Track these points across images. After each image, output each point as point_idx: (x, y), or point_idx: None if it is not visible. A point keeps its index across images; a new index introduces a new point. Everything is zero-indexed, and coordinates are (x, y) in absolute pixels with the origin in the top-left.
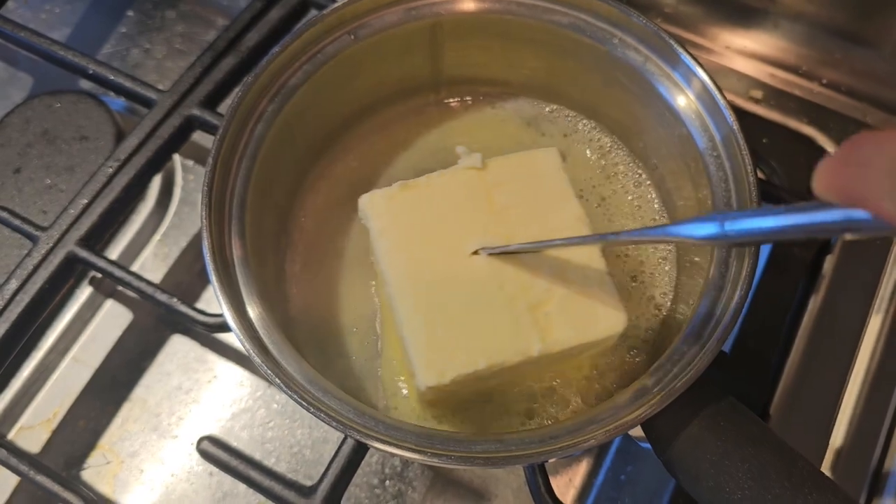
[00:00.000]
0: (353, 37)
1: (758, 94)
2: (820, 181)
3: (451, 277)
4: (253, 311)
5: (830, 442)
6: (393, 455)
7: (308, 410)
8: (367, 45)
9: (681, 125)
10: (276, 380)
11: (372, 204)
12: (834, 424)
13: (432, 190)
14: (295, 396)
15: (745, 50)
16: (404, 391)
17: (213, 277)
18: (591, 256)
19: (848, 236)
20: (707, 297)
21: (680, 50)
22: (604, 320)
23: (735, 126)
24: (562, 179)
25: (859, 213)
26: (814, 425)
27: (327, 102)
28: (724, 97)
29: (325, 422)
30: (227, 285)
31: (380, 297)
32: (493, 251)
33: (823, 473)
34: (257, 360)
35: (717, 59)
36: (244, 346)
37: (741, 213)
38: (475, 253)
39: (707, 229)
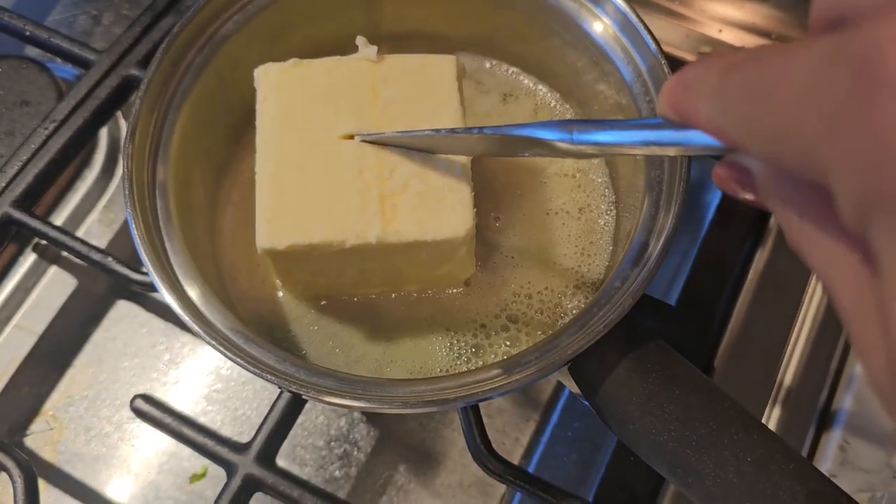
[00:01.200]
0: None
1: (707, 50)
2: (660, 101)
3: (315, 156)
4: (179, 266)
5: (775, 394)
6: (312, 399)
7: (228, 358)
8: None
9: (612, 66)
10: (198, 329)
11: (265, 74)
12: (777, 378)
13: (323, 72)
14: (217, 345)
15: (694, 6)
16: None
17: (134, 232)
18: (454, 161)
19: (678, 153)
20: (637, 241)
21: None
22: (447, 223)
23: (658, 54)
24: (451, 87)
25: (691, 133)
26: (758, 378)
27: (261, 55)
28: (647, 27)
29: (244, 368)
30: (150, 241)
31: None
32: (366, 137)
33: (750, 414)
34: (178, 310)
35: (664, 17)
36: (167, 300)
37: (593, 122)
38: (348, 137)
39: (557, 134)
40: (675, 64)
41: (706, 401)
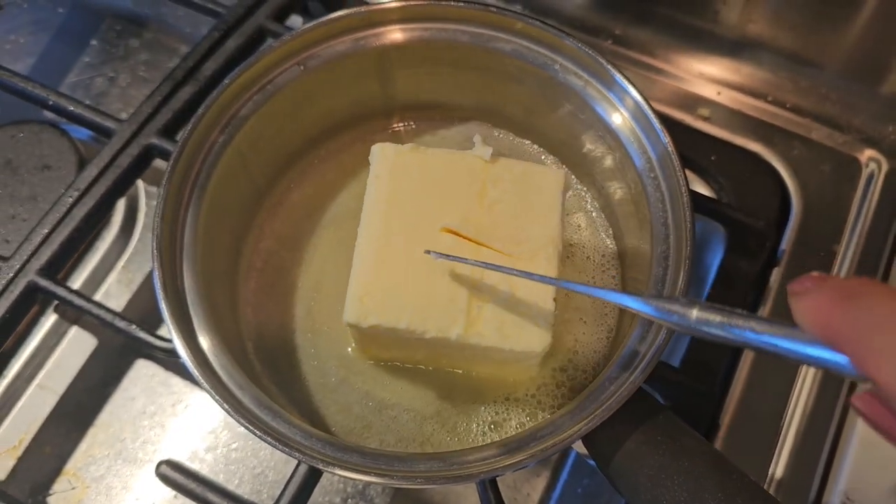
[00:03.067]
0: (302, 67)
1: (706, 112)
2: (803, 315)
3: (415, 241)
4: (204, 338)
5: (779, 448)
6: (336, 475)
7: (255, 434)
8: (316, 75)
9: (620, 146)
10: (225, 405)
11: (381, 152)
12: (781, 432)
13: (437, 162)
14: (242, 421)
15: (693, 70)
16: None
17: (163, 306)
18: (545, 273)
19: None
20: (641, 322)
21: (613, 71)
22: (527, 336)
23: (669, 144)
24: (556, 200)
25: (840, 359)
26: (763, 434)
27: (279, 131)
28: (658, 115)
29: (271, 445)
30: (178, 313)
31: None
32: (442, 257)
33: (757, 484)
34: (206, 385)
35: (665, 80)
36: (193, 373)
37: (717, 310)
38: (448, 231)
39: (675, 318)
40: (674, 126)
41: (713, 471)
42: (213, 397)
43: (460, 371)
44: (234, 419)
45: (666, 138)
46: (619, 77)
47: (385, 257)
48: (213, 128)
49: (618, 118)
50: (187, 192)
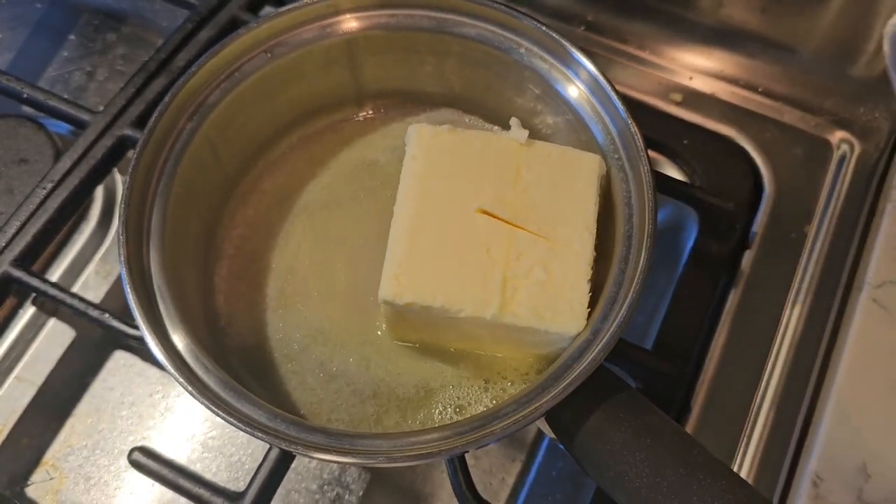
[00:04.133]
0: (269, 55)
1: (678, 97)
2: None
3: (450, 223)
4: (171, 324)
5: (749, 430)
6: (299, 454)
7: (218, 415)
8: (284, 63)
9: (584, 126)
10: (189, 387)
11: (418, 133)
12: (753, 413)
13: (474, 143)
14: (206, 402)
15: (666, 56)
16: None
17: (127, 290)
18: (580, 258)
19: None
20: (605, 301)
21: (571, 48)
22: (562, 318)
23: (628, 118)
24: (591, 186)
25: None
26: (735, 417)
27: (249, 119)
28: (616, 90)
29: (234, 426)
30: (144, 298)
31: None
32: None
33: (719, 460)
34: (170, 369)
35: (638, 66)
36: (159, 358)
37: None
38: (483, 212)
39: None
40: (646, 111)
41: (676, 448)
42: (178, 380)
43: (482, 353)
44: (199, 401)
45: (626, 114)
46: (575, 53)
47: (420, 237)
48: (180, 115)
49: (576, 93)
50: (154, 179)
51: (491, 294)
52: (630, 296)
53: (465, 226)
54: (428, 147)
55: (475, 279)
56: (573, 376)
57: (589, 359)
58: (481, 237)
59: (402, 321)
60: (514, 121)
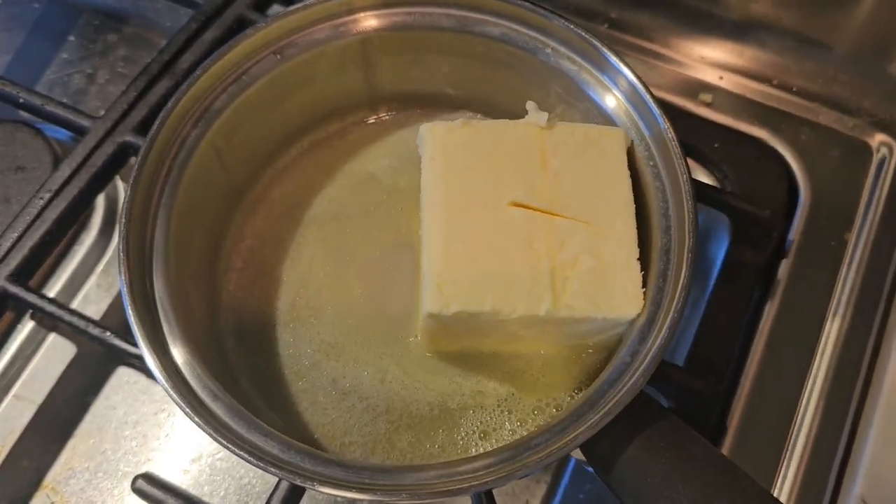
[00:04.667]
0: (279, 56)
1: (707, 98)
2: None
3: (484, 219)
4: (175, 345)
5: (789, 451)
6: (315, 491)
7: (226, 448)
8: (294, 65)
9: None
10: (196, 418)
11: (432, 132)
12: (793, 434)
13: (492, 134)
14: (213, 434)
15: (694, 54)
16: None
17: (129, 312)
18: (626, 237)
19: None
20: (645, 317)
21: (607, 52)
22: (619, 302)
23: (668, 129)
24: (621, 160)
25: None
26: (773, 436)
27: (257, 125)
28: (654, 98)
29: (245, 460)
30: (147, 320)
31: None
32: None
33: (767, 491)
34: (175, 397)
35: (665, 65)
36: (162, 384)
37: None
38: (516, 205)
39: None
40: (674, 112)
41: (721, 480)
42: (183, 409)
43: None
44: (205, 432)
45: (664, 122)
46: (612, 58)
47: (455, 240)
48: (184, 121)
49: (612, 102)
50: (157, 189)
51: (542, 289)
52: (671, 315)
53: (501, 222)
54: (445, 145)
55: (522, 276)
56: (612, 403)
57: (628, 384)
58: (520, 231)
59: (444, 332)
60: (530, 104)
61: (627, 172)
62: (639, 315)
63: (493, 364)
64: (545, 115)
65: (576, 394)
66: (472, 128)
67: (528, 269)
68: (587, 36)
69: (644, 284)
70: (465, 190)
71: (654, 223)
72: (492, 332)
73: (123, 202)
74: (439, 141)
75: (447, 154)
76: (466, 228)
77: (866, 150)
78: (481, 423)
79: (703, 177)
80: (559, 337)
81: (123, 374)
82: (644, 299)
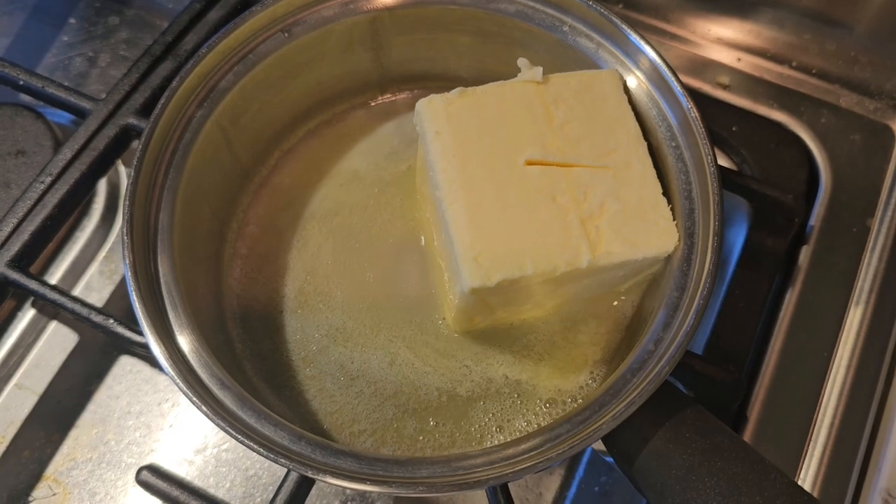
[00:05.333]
0: (286, 34)
1: (725, 80)
2: None
3: (504, 184)
4: (182, 333)
5: (812, 442)
6: (327, 483)
7: (235, 439)
8: (302, 43)
9: (637, 113)
10: (203, 407)
11: (430, 107)
12: (815, 424)
13: (490, 99)
14: (223, 424)
15: (710, 35)
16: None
17: (134, 299)
18: (645, 174)
19: None
20: (666, 306)
21: (627, 30)
22: (655, 238)
23: (691, 109)
24: (621, 100)
25: None
26: (794, 427)
27: (264, 105)
28: (677, 77)
29: (255, 451)
30: (152, 307)
31: (431, 214)
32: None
33: (797, 484)
34: (183, 387)
35: (680, 46)
36: (168, 374)
37: None
38: (532, 163)
39: None
40: (691, 95)
41: (749, 472)
42: (191, 400)
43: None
44: (214, 423)
45: (687, 102)
46: (633, 36)
47: (481, 211)
48: (189, 101)
49: (633, 81)
50: (161, 171)
51: (577, 242)
52: (697, 302)
53: (520, 183)
54: (448, 117)
55: (554, 233)
56: (636, 393)
57: (653, 373)
58: (541, 189)
59: (482, 307)
60: (522, 61)
61: (630, 110)
62: (675, 248)
63: (507, 346)
64: (539, 70)
65: (590, 382)
66: (470, 95)
67: (558, 224)
68: (606, 12)
69: (664, 284)
70: (478, 158)
71: (676, 204)
72: (530, 297)
73: (127, 185)
74: (441, 114)
75: (452, 126)
76: (488, 196)
77: (888, 134)
78: (495, 410)
79: (722, 160)
80: (594, 287)
81: (126, 364)
82: (676, 231)
